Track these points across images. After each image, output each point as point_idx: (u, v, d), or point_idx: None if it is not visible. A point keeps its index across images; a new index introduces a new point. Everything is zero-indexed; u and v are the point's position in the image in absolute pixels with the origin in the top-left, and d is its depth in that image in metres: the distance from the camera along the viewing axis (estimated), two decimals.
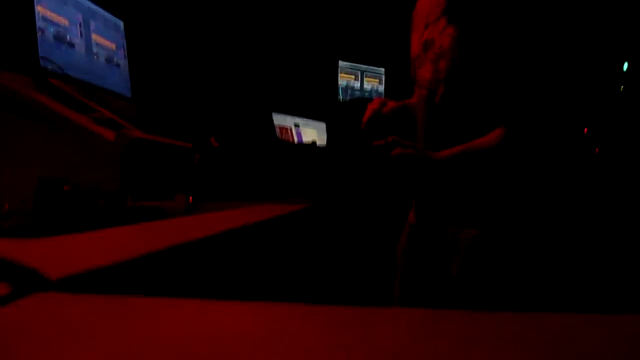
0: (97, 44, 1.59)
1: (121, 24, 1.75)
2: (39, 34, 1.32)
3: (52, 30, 1.38)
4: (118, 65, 1.70)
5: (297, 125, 2.61)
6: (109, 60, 1.65)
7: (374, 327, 0.21)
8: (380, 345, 0.18)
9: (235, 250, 0.56)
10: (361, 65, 3.21)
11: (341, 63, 3.09)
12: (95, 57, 1.57)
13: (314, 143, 2.14)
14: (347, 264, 1.10)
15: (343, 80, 3.09)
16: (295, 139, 2.54)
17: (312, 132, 2.72)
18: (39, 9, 1.33)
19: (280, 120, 2.49)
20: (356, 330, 0.20)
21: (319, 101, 2.99)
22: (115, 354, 0.17)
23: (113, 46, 1.68)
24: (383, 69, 3.31)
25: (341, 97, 3.05)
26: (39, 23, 1.33)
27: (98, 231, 0.50)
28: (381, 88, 3.32)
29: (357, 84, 3.18)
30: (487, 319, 0.21)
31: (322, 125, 2.82)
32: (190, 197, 0.91)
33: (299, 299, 0.24)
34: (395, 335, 0.20)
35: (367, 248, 1.23)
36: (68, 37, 1.44)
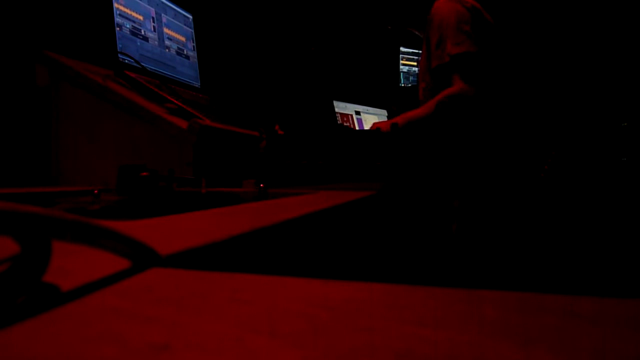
0: (169, 37, 1.66)
1: (190, 17, 1.81)
2: (117, 29, 1.40)
3: (128, 25, 1.45)
4: (188, 57, 1.77)
5: (357, 113, 2.60)
6: (179, 52, 1.71)
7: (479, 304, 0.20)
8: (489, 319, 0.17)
9: (317, 232, 0.57)
10: None
11: (403, 49, 3.03)
12: (167, 49, 1.64)
13: (377, 129, 2.12)
14: (420, 247, 1.10)
15: (405, 66, 3.03)
16: (357, 127, 2.53)
17: (373, 120, 2.69)
18: (116, 6, 1.40)
19: (341, 108, 2.49)
20: (463, 308, 0.20)
21: (380, 88, 2.95)
22: (243, 320, 0.18)
23: (183, 39, 1.75)
24: None
25: (403, 83, 3.00)
26: (117, 19, 1.40)
27: (182, 214, 0.52)
28: None
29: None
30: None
31: (383, 113, 2.79)
32: (262, 184, 0.93)
33: (384, 280, 0.24)
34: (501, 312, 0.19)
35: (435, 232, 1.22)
36: (143, 32, 1.52)
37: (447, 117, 1.34)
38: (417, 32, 1.58)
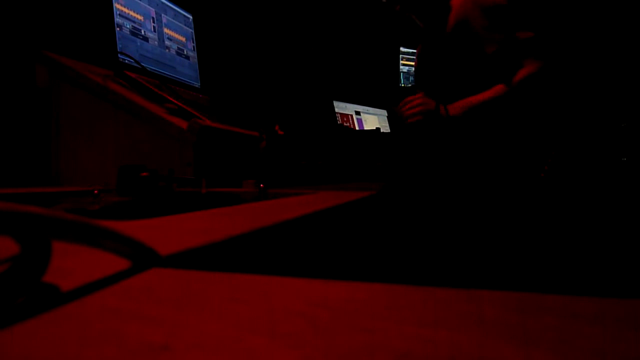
0: (169, 37, 1.66)
1: (190, 17, 1.81)
2: (117, 29, 1.40)
3: (128, 25, 1.45)
4: (188, 57, 1.77)
5: (357, 113, 2.60)
6: (179, 52, 1.71)
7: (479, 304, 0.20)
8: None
9: (317, 232, 0.57)
10: None
11: (403, 49, 3.03)
12: (167, 49, 1.64)
13: (377, 129, 2.12)
14: (421, 247, 1.10)
15: (405, 66, 3.03)
16: (357, 127, 2.53)
17: (373, 120, 2.69)
18: (117, 6, 1.40)
19: (341, 108, 2.49)
20: (463, 307, 0.20)
21: (380, 89, 2.96)
22: (243, 320, 0.18)
23: (183, 39, 1.75)
24: None
25: (403, 83, 3.00)
26: (117, 19, 1.40)
27: (182, 215, 0.52)
28: None
29: None
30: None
31: (383, 113, 2.79)
32: (262, 184, 0.93)
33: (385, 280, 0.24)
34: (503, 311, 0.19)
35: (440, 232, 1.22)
36: (143, 32, 1.52)
37: (527, 98, 1.32)
38: (417, 21, 1.55)
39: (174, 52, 1.68)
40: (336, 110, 2.44)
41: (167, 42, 1.64)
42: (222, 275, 0.25)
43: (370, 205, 0.84)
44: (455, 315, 0.19)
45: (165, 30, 1.64)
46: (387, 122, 2.76)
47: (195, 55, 1.82)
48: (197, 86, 1.79)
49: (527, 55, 1.31)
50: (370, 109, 2.72)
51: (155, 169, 0.98)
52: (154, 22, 1.58)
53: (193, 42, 1.82)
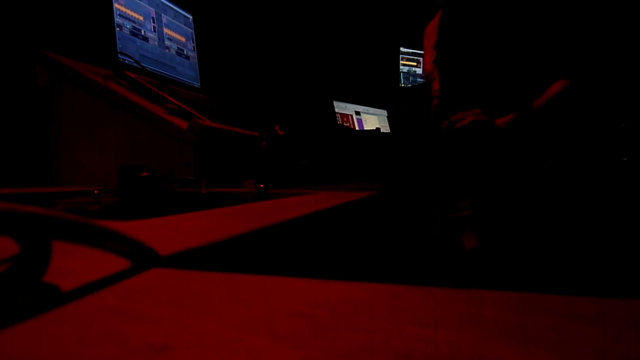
0: (169, 37, 1.66)
1: (190, 17, 1.81)
2: (117, 29, 1.40)
3: (128, 25, 1.45)
4: (188, 57, 1.77)
5: (357, 113, 2.60)
6: (179, 52, 1.71)
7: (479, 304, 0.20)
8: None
9: (317, 232, 0.57)
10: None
11: (403, 49, 3.03)
12: (167, 50, 1.64)
13: (377, 129, 2.12)
14: (421, 248, 1.10)
15: (405, 66, 3.03)
16: (357, 127, 2.53)
17: (373, 120, 2.69)
18: (116, 6, 1.40)
19: (341, 108, 2.49)
20: (462, 308, 0.20)
21: (380, 89, 2.96)
22: (243, 321, 0.18)
23: (183, 39, 1.75)
24: None
25: (403, 84, 3.00)
26: (117, 19, 1.40)
27: (182, 215, 0.52)
28: None
29: (419, 70, 3.11)
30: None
31: (383, 113, 2.79)
32: (262, 184, 0.93)
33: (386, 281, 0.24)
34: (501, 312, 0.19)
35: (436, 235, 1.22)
36: (143, 32, 1.52)
37: (566, 112, 1.29)
38: None
39: (174, 52, 1.68)
40: (336, 110, 2.44)
41: (167, 42, 1.64)
42: (222, 275, 0.25)
43: (370, 205, 0.84)
44: (455, 315, 0.19)
45: (165, 30, 1.64)
46: (387, 122, 2.76)
47: (195, 55, 1.82)
48: (197, 86, 1.79)
49: (556, 72, 1.25)
50: (370, 109, 2.72)
51: (155, 169, 0.98)
52: (154, 22, 1.58)
53: (193, 42, 1.82)
